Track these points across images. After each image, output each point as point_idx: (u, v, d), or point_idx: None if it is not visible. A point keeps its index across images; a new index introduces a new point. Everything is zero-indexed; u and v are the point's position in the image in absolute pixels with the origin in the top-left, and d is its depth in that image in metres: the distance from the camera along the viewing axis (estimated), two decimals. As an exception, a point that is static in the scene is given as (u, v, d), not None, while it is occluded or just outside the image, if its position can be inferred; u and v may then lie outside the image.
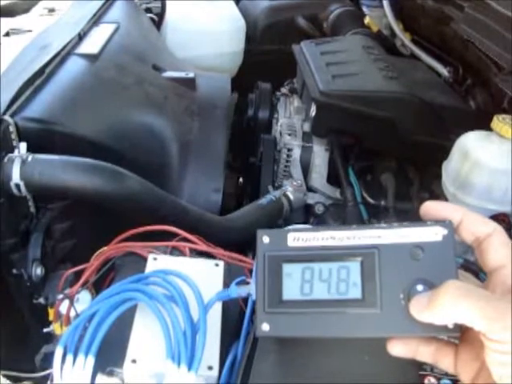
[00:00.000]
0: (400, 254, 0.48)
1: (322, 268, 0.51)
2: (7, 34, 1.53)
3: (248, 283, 0.63)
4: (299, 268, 0.51)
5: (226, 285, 0.76)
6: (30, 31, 1.50)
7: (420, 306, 0.46)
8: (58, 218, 1.02)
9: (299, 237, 0.52)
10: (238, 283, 0.61)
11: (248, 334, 0.70)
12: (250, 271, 0.78)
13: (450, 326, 0.45)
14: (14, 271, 0.96)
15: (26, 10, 1.75)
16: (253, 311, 0.68)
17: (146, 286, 0.67)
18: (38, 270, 0.96)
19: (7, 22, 1.60)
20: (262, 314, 0.51)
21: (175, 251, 0.84)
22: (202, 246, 0.83)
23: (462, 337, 0.47)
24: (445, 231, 0.48)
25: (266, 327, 0.50)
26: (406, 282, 0.47)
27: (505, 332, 0.41)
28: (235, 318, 0.74)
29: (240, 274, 0.80)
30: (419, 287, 0.47)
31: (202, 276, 0.74)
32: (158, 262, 0.77)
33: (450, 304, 0.43)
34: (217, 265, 0.77)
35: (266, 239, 0.53)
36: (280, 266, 0.52)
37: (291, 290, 0.51)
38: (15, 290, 1.00)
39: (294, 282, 0.51)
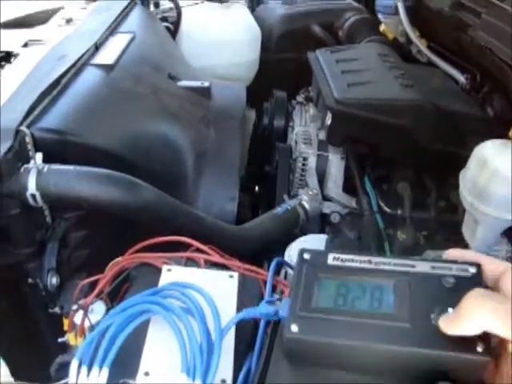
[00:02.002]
0: (432, 282, 0.52)
1: (356, 285, 0.54)
2: (26, 45, 1.54)
3: (277, 300, 0.63)
4: (335, 283, 0.55)
5: (240, 296, 0.75)
6: (47, 42, 1.52)
7: (448, 318, 0.48)
8: (74, 228, 1.03)
9: (339, 257, 0.57)
10: (269, 302, 0.61)
11: (262, 347, 0.69)
12: (265, 283, 0.77)
13: (480, 349, 0.47)
14: (30, 280, 0.97)
15: (45, 21, 1.77)
16: (267, 324, 0.68)
17: (162, 298, 0.66)
18: (53, 280, 0.96)
19: (26, 33, 1.62)
20: (292, 316, 0.53)
21: (190, 262, 0.83)
22: (217, 257, 0.83)
23: (501, 349, 0.48)
24: (474, 269, 0.52)
25: (294, 328, 0.52)
26: (438, 305, 0.50)
27: None
28: (249, 330, 0.74)
29: (254, 286, 0.80)
30: (450, 310, 0.49)
31: (217, 288, 0.73)
32: (172, 273, 0.76)
33: (475, 305, 0.45)
34: (231, 276, 0.77)
35: (307, 256, 0.58)
36: (317, 278, 0.56)
37: (325, 299, 0.54)
38: (31, 298, 1.00)
39: (329, 294, 0.54)
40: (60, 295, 0.98)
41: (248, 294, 0.77)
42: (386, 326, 0.51)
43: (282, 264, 0.86)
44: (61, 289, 0.98)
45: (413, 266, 0.53)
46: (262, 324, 0.69)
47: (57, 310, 0.97)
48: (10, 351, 0.96)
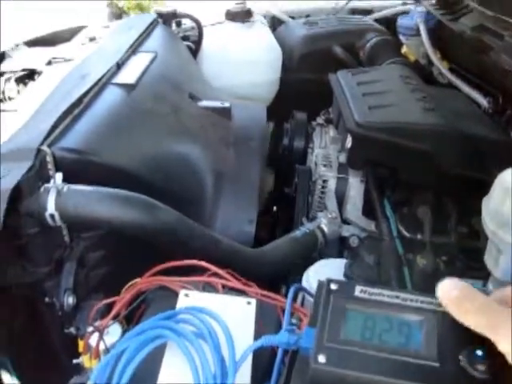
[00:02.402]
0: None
1: (384, 319, 0.54)
2: (49, 63, 1.57)
3: (297, 328, 0.62)
4: (362, 315, 0.55)
5: (258, 323, 0.74)
6: (70, 60, 1.53)
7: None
8: (92, 247, 1.02)
9: (366, 290, 0.57)
10: (288, 331, 0.60)
11: (279, 376, 0.68)
12: (283, 309, 0.76)
13: None
14: (47, 299, 0.97)
15: (68, 39, 1.80)
16: (284, 353, 0.66)
17: (176, 323, 0.66)
18: (69, 300, 0.96)
19: (50, 51, 1.64)
20: (319, 347, 0.53)
21: (207, 286, 0.83)
22: (235, 283, 0.82)
23: None
24: None
25: (322, 359, 0.52)
26: (467, 347, 0.50)
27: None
28: (266, 357, 0.73)
29: (272, 313, 0.79)
30: (479, 352, 0.49)
31: (234, 314, 0.72)
32: (189, 298, 0.76)
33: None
34: (249, 303, 0.76)
35: (334, 286, 0.58)
36: (344, 309, 0.55)
37: (352, 331, 0.53)
38: (47, 318, 1.00)
39: (356, 326, 0.54)
40: (76, 315, 0.97)
41: (266, 321, 0.76)
42: (414, 364, 0.50)
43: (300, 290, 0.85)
44: (77, 309, 0.98)
45: (440, 305, 0.52)
46: (279, 352, 0.68)
47: (72, 330, 0.97)
48: (24, 370, 0.95)
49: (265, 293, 0.81)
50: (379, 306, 0.55)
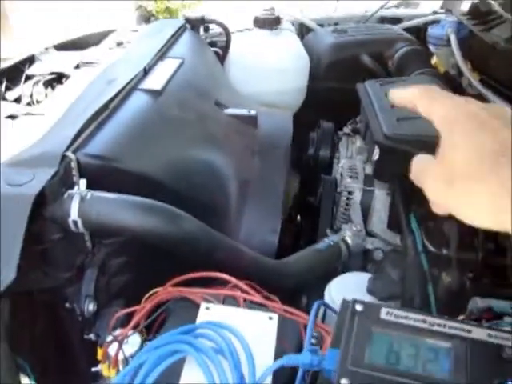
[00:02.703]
0: (490, 352, 0.51)
1: (410, 345, 0.53)
2: (77, 67, 1.58)
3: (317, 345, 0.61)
4: (388, 339, 0.54)
5: (279, 339, 0.73)
6: (98, 64, 1.54)
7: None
8: (114, 254, 1.02)
9: (392, 312, 0.56)
10: (312, 351, 0.58)
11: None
12: (305, 327, 0.74)
13: None
14: (67, 305, 0.97)
15: (97, 43, 1.81)
16: (305, 372, 0.65)
17: (195, 338, 0.64)
18: (90, 306, 0.95)
19: (78, 55, 1.65)
20: (343, 370, 0.52)
21: (229, 298, 0.81)
22: (257, 297, 0.80)
23: None
24: None
25: (345, 382, 0.51)
26: (496, 378, 0.48)
27: None
28: (286, 375, 0.71)
29: (294, 329, 0.78)
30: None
31: (255, 329, 0.71)
32: (210, 311, 0.74)
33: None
34: (271, 318, 0.74)
35: (359, 307, 0.57)
36: (370, 332, 0.54)
37: (377, 355, 0.52)
38: (67, 323, 1.00)
39: (381, 350, 0.53)
40: (96, 322, 0.97)
41: (287, 337, 0.75)
42: None
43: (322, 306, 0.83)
44: (97, 315, 0.97)
45: (469, 332, 0.51)
46: (300, 372, 0.66)
47: (92, 336, 0.96)
48: (44, 375, 0.95)
49: (287, 308, 0.79)
50: (405, 330, 0.54)
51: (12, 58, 1.64)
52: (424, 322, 0.54)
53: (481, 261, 1.22)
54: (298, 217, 1.67)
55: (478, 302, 1.00)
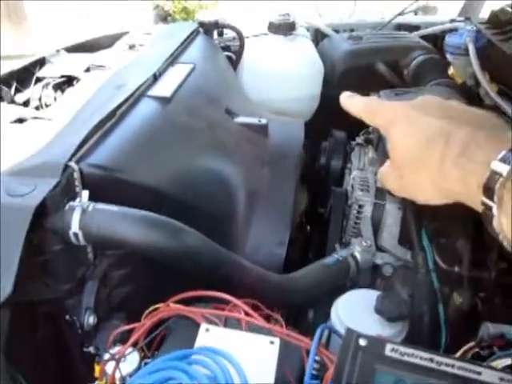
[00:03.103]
0: None
1: None
2: (88, 70, 1.56)
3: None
4: (392, 377, 0.51)
5: (280, 364, 0.70)
6: (109, 68, 1.52)
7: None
8: (116, 265, 1.00)
9: (397, 349, 0.54)
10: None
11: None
12: (307, 352, 0.71)
13: None
14: (67, 317, 0.95)
15: (109, 46, 1.79)
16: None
17: (189, 365, 0.62)
18: (90, 319, 0.94)
19: (89, 58, 1.64)
20: None
21: (230, 319, 0.79)
22: (259, 320, 0.78)
23: None
24: None
25: None
26: None
27: None
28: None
29: (296, 354, 0.75)
30: None
31: (255, 354, 0.69)
32: (209, 333, 0.72)
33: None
34: (272, 342, 0.72)
35: (363, 342, 0.55)
36: (373, 369, 0.52)
37: None
38: (67, 335, 0.98)
39: None
40: (96, 335, 0.95)
41: (288, 363, 0.72)
42: None
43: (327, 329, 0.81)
44: (97, 328, 0.96)
45: (479, 374, 0.49)
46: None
47: (91, 349, 0.95)
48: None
49: (290, 333, 0.76)
50: (411, 369, 0.51)
51: (24, 56, 1.63)
52: (431, 360, 0.51)
53: (493, 280, 1.19)
54: (308, 227, 1.64)
55: (489, 328, 0.97)
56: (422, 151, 0.63)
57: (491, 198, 0.57)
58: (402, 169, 0.68)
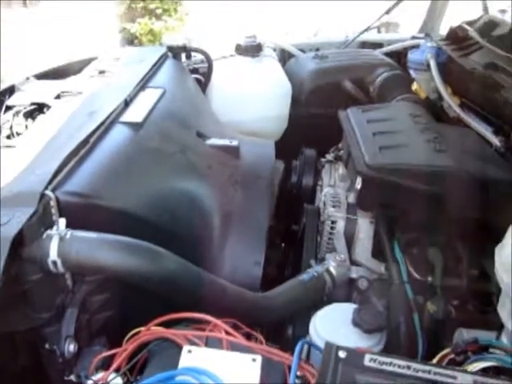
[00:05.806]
0: None
1: None
2: (58, 97, 1.56)
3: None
4: None
5: (263, 381, 0.71)
6: (79, 94, 1.53)
7: None
8: (95, 291, 1.00)
9: (376, 359, 0.55)
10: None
11: None
12: (289, 367, 0.73)
13: None
14: (47, 346, 0.95)
15: (78, 72, 1.79)
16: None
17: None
18: (70, 347, 0.94)
19: (59, 84, 1.64)
20: None
21: (212, 339, 0.80)
22: (240, 338, 0.79)
23: None
24: None
25: None
26: None
27: None
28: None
29: (278, 370, 0.77)
30: None
31: (238, 372, 0.70)
32: (192, 354, 0.73)
33: None
34: (254, 360, 0.73)
35: (342, 354, 0.57)
36: (353, 380, 0.54)
37: None
38: (48, 364, 0.98)
39: None
40: (77, 363, 0.95)
41: (271, 379, 0.74)
42: None
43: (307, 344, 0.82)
44: (78, 355, 0.96)
45: (454, 378, 0.51)
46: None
47: (72, 377, 0.94)
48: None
49: (271, 350, 0.78)
50: (390, 378, 0.53)
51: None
52: (408, 368, 0.54)
53: (465, 287, 1.22)
54: (283, 245, 1.66)
55: (463, 334, 1.00)
56: None
57: None
58: None
